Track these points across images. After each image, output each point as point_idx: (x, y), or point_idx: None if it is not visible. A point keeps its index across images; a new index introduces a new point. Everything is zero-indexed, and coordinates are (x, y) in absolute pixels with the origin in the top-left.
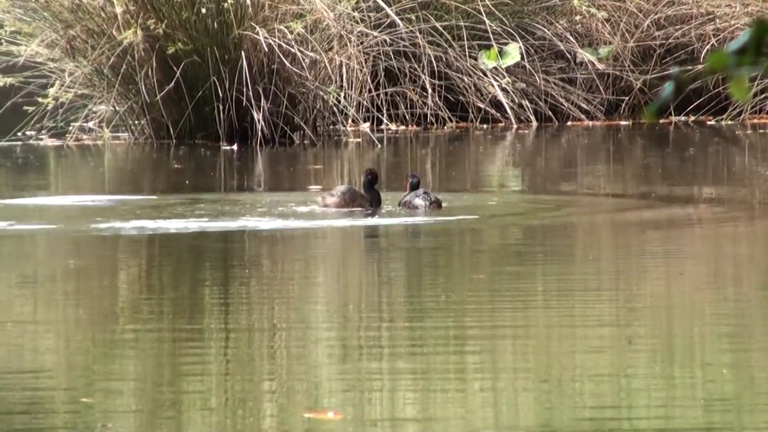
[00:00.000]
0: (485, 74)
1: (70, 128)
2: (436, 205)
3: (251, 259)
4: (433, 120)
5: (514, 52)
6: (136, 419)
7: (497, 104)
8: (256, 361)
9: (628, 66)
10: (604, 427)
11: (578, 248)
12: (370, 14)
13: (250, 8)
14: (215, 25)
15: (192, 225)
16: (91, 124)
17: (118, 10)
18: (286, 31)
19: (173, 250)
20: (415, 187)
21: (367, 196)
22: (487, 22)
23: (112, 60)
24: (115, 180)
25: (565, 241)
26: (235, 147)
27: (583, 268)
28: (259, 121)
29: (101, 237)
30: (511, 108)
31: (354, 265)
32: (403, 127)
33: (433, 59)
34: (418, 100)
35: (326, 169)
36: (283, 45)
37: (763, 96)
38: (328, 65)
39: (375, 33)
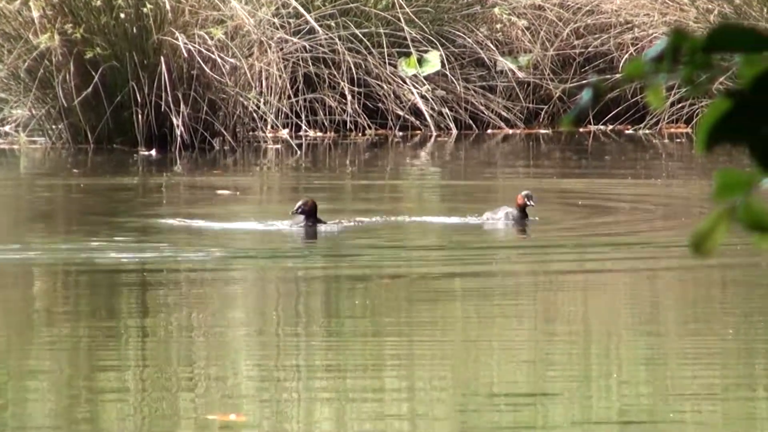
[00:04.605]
0: (404, 81)
1: None
2: (518, 224)
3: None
4: (352, 127)
5: (434, 60)
6: (50, 418)
7: (417, 112)
8: (172, 366)
9: (548, 74)
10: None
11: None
12: (290, 21)
13: (169, 13)
14: (134, 30)
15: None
16: (7, 129)
17: (35, 14)
18: (206, 36)
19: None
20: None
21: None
22: (407, 29)
23: (28, 64)
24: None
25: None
26: (153, 152)
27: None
28: (178, 126)
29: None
30: (431, 116)
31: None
32: (321, 134)
33: (352, 66)
34: (336, 107)
35: (227, 179)
36: (203, 51)
37: (680, 105)
38: (248, 71)
39: (295, 39)
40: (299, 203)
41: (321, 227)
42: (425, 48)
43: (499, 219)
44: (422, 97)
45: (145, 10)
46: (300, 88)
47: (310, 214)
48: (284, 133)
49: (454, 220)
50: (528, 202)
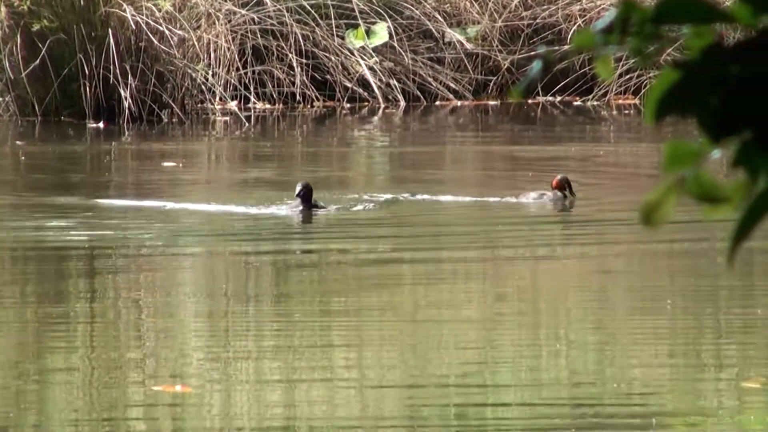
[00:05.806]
0: (352, 53)
1: None
2: (559, 204)
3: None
4: (300, 99)
5: (381, 32)
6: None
7: (364, 83)
8: (121, 341)
9: (496, 46)
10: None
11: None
12: None
13: None
14: (82, 1)
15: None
16: None
17: None
18: (154, 8)
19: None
20: (563, 183)
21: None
22: (355, 1)
23: None
24: None
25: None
26: (101, 124)
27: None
28: (126, 98)
29: None
30: (379, 87)
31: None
32: (269, 106)
33: (300, 38)
34: (285, 79)
35: (176, 147)
36: (151, 23)
37: (628, 77)
38: (196, 43)
39: (243, 11)
40: (299, 187)
41: (318, 211)
42: (373, 20)
43: (535, 199)
44: (370, 68)
45: None
46: (248, 60)
47: (306, 198)
48: (233, 105)
49: (475, 199)
50: (568, 186)
